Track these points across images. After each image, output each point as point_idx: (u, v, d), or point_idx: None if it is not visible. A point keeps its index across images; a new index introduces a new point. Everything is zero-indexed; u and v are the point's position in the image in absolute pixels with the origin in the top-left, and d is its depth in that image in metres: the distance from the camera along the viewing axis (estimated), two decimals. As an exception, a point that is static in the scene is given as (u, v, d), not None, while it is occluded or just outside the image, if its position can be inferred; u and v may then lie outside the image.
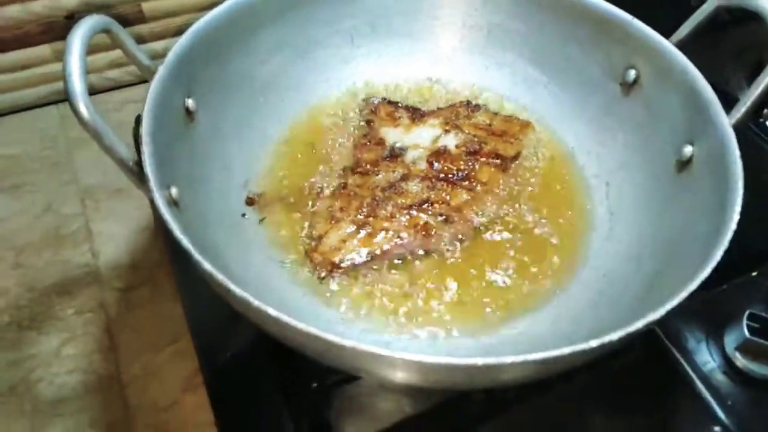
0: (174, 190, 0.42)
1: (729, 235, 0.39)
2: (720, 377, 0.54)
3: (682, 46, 0.52)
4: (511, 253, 0.52)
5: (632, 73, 0.54)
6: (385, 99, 0.61)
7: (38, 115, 0.76)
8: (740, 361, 0.54)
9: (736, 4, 0.47)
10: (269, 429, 0.49)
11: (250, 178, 0.54)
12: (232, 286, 0.34)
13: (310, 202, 0.53)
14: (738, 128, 0.45)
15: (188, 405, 0.53)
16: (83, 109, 0.37)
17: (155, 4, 0.74)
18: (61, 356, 0.56)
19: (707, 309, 0.59)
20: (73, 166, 0.72)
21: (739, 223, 0.63)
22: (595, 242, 0.51)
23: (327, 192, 0.54)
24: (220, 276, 0.35)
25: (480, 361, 0.33)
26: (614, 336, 0.33)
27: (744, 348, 0.53)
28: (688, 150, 0.48)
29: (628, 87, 0.55)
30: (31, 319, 0.58)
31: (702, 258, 0.39)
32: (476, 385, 0.47)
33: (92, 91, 0.75)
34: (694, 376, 0.54)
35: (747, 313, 0.53)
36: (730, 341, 0.55)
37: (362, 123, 0.59)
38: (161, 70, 0.45)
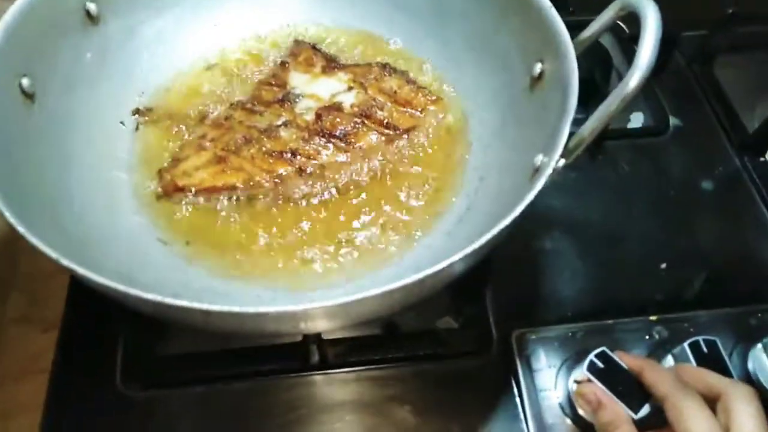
0: (27, 81, 0.46)
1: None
2: (549, 404, 0.51)
3: (589, 44, 0.46)
4: (360, 220, 0.51)
5: (538, 68, 0.49)
6: (309, 43, 0.60)
7: None
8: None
9: (628, 7, 0.41)
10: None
11: (147, 89, 0.57)
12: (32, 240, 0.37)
13: (190, 126, 0.55)
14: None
15: (59, 282, 0.59)
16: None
17: None
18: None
19: (582, 340, 0.55)
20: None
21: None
22: (436, 233, 0.49)
23: (211, 118, 0.56)
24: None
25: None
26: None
27: (579, 383, 0.50)
28: (538, 159, 0.44)
29: (534, 82, 0.50)
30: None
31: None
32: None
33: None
34: (525, 394, 0.52)
35: (599, 349, 0.49)
36: (576, 374, 0.51)
37: (279, 63, 0.59)
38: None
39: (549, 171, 0.39)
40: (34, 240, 0.36)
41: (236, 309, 0.35)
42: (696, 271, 0.60)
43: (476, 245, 0.36)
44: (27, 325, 0.58)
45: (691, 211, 0.64)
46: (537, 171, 0.44)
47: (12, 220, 0.37)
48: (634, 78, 0.37)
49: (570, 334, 0.55)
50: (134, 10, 0.56)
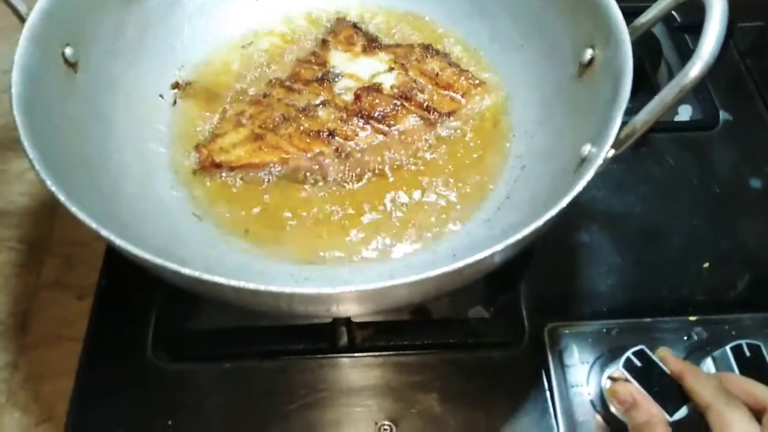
0: (70, 50, 0.46)
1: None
2: (580, 400, 0.50)
3: (644, 31, 0.44)
4: (396, 205, 0.50)
5: (589, 54, 0.47)
6: (351, 22, 0.59)
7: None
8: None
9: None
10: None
11: (187, 63, 0.56)
12: (61, 197, 0.37)
13: (229, 101, 0.55)
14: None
15: (94, 249, 0.60)
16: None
17: None
18: (21, 179, 0.65)
19: (617, 337, 0.53)
20: None
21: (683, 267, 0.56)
22: (473, 221, 0.48)
23: (250, 95, 0.55)
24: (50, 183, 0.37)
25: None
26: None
27: (614, 380, 0.48)
28: (586, 149, 0.42)
29: (583, 69, 0.48)
30: (13, 140, 0.67)
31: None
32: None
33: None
34: (555, 388, 0.51)
35: (638, 347, 0.48)
36: (609, 371, 0.50)
37: (320, 41, 0.58)
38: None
39: (599, 162, 0.37)
40: (74, 209, 0.36)
41: (273, 289, 0.35)
42: (740, 272, 0.58)
43: (518, 236, 0.35)
44: (61, 291, 0.58)
45: (737, 210, 0.62)
46: (584, 161, 0.42)
47: (53, 188, 0.38)
48: (696, 68, 0.35)
49: (605, 330, 0.54)
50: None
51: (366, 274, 0.46)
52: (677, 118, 0.68)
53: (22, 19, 0.43)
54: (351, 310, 0.44)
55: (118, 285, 0.56)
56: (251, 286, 0.34)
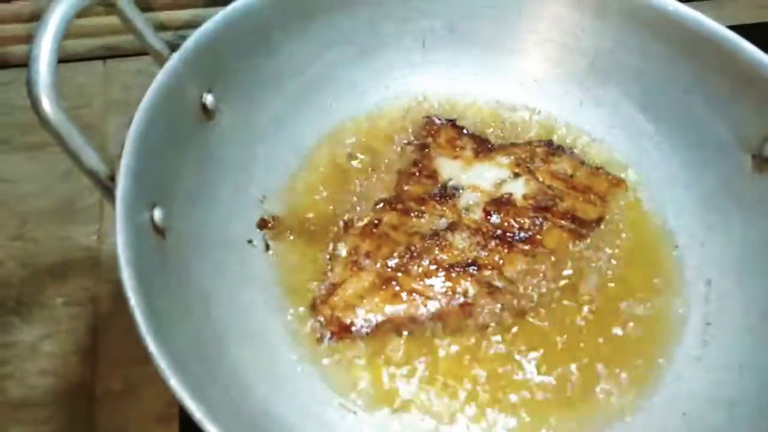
0: (158, 213, 0.34)
1: None
2: None
3: None
4: (568, 353, 0.41)
5: (773, 148, 0.41)
6: (450, 121, 0.50)
7: (81, 68, 0.70)
8: None
9: None
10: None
11: (269, 192, 0.45)
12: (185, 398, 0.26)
13: (333, 236, 0.44)
14: None
15: (158, 434, 0.46)
16: (46, 105, 0.29)
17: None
18: (38, 352, 0.50)
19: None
20: (105, 131, 0.65)
21: None
22: (679, 360, 0.40)
23: (357, 226, 0.45)
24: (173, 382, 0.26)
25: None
26: None
27: None
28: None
29: (764, 162, 0.42)
30: (17, 302, 0.53)
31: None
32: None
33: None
34: None
35: None
36: None
37: (416, 147, 0.49)
38: (174, 59, 0.37)
39: None
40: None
41: None
42: None
43: None
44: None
45: None
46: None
47: (189, 404, 0.26)
48: None
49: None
50: (246, 100, 0.45)
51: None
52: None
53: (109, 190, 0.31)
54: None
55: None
56: None
